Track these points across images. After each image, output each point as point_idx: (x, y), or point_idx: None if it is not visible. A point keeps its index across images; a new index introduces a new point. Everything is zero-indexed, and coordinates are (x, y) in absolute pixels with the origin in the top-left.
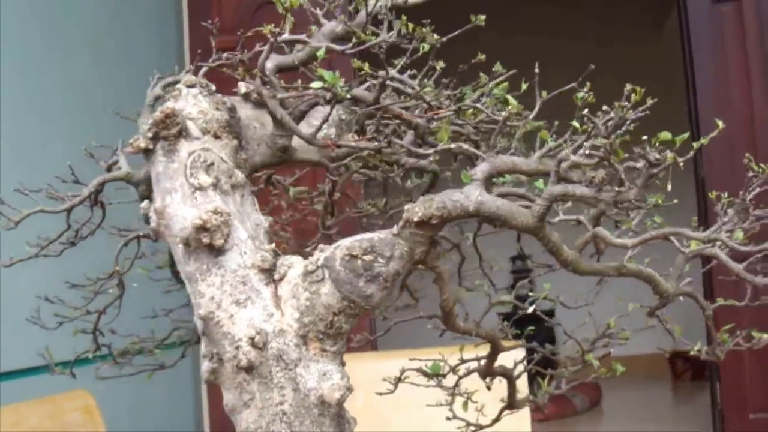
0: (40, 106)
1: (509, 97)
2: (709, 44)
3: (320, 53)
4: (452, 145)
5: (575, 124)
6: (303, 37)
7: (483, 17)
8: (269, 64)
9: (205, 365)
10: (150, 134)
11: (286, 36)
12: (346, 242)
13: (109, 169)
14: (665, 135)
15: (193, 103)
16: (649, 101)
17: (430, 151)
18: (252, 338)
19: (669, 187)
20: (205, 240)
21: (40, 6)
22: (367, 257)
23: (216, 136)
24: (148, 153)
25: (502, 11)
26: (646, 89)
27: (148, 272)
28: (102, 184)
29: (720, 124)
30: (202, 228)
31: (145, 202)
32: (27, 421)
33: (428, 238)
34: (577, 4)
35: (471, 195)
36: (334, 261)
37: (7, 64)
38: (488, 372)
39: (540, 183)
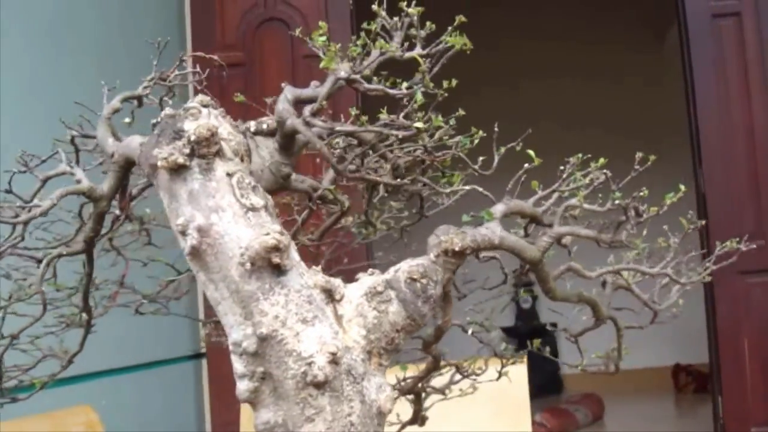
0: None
1: (531, 152)
2: (709, 57)
3: (418, 99)
4: (467, 187)
5: (585, 180)
6: (353, 82)
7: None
8: (290, 96)
9: (245, 384)
10: (187, 150)
11: (375, 86)
12: (404, 266)
13: (44, 181)
14: (644, 194)
15: (216, 123)
16: (652, 158)
17: (448, 190)
18: (334, 353)
19: (645, 232)
20: (276, 260)
21: (47, 26)
22: (424, 280)
23: (242, 159)
24: (179, 170)
25: (500, 22)
26: (647, 99)
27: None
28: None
29: (682, 188)
30: (274, 248)
31: (182, 219)
32: None
33: (456, 266)
34: (579, 13)
35: (495, 230)
36: (399, 283)
37: (12, 72)
38: (409, 390)
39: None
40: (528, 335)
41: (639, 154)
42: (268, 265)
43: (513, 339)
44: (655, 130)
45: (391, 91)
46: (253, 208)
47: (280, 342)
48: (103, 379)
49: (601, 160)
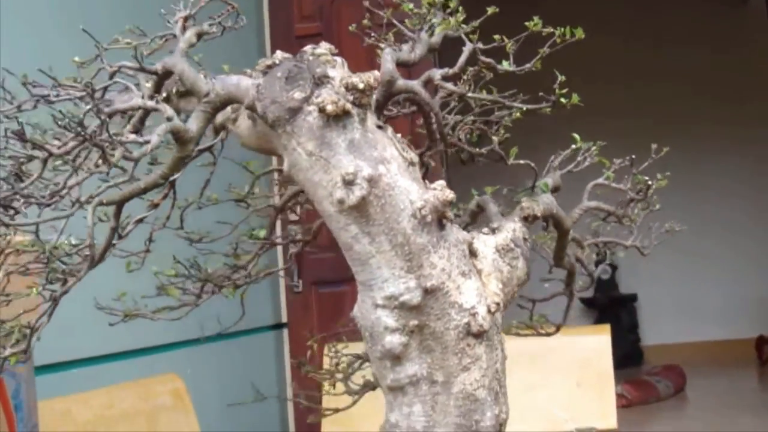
0: None
1: (576, 135)
2: None
3: (561, 78)
4: (521, 161)
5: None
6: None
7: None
8: (393, 57)
9: (397, 338)
10: (350, 97)
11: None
12: (517, 227)
13: (110, 116)
14: (661, 181)
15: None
16: (665, 149)
17: (511, 160)
18: (498, 304)
19: (658, 206)
20: (449, 214)
21: None
22: (527, 241)
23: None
24: (339, 117)
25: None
26: (728, 63)
27: None
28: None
29: (665, 174)
30: (450, 203)
31: (352, 168)
32: (120, 404)
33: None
34: None
35: (553, 201)
36: (520, 241)
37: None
38: None
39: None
40: (607, 306)
41: (654, 145)
42: (438, 219)
43: (593, 310)
44: (740, 92)
45: (511, 68)
46: (412, 162)
47: (446, 294)
48: (187, 349)
49: (598, 143)
